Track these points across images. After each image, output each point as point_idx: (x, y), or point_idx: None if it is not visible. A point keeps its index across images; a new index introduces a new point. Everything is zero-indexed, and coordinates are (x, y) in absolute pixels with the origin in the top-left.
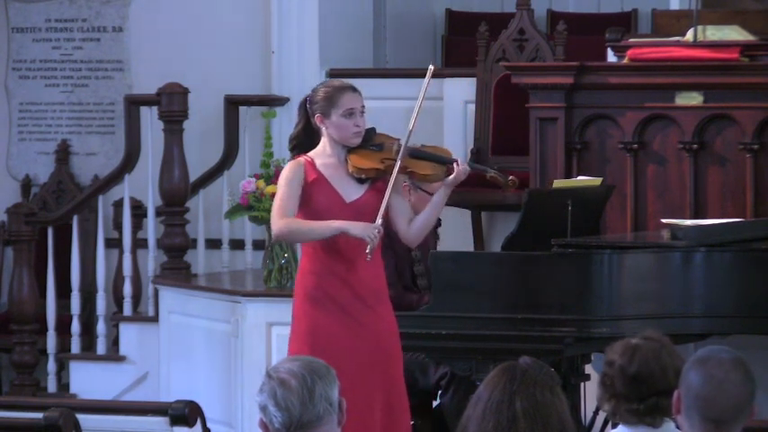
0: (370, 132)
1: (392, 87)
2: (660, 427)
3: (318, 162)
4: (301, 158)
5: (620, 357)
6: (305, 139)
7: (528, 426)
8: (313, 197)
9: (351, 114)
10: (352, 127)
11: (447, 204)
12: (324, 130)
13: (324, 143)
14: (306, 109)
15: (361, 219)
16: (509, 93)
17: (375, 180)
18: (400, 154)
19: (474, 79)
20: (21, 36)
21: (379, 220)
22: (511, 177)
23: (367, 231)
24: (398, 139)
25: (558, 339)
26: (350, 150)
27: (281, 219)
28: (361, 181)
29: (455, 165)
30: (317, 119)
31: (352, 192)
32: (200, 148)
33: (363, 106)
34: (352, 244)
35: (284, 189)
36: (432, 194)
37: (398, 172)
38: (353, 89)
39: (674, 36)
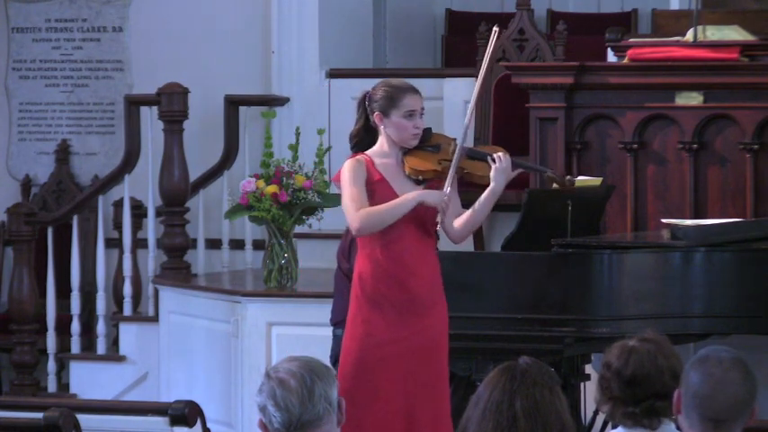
0: (427, 132)
1: None
2: (658, 429)
3: (377, 161)
4: (361, 157)
5: (617, 360)
6: (365, 137)
7: (528, 426)
8: (374, 197)
9: (411, 116)
10: (411, 128)
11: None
12: (382, 128)
13: (381, 142)
14: (365, 106)
15: (417, 220)
16: (509, 93)
17: (431, 180)
18: (456, 154)
19: (474, 79)
20: (21, 36)
21: (447, 189)
22: (568, 177)
23: (441, 199)
24: (455, 139)
25: (558, 339)
26: (406, 151)
27: (357, 212)
28: (417, 182)
29: (491, 161)
30: (375, 117)
31: (408, 193)
32: (200, 148)
33: (423, 108)
34: (413, 248)
35: (352, 187)
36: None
37: (455, 173)
38: (415, 90)
39: (674, 36)
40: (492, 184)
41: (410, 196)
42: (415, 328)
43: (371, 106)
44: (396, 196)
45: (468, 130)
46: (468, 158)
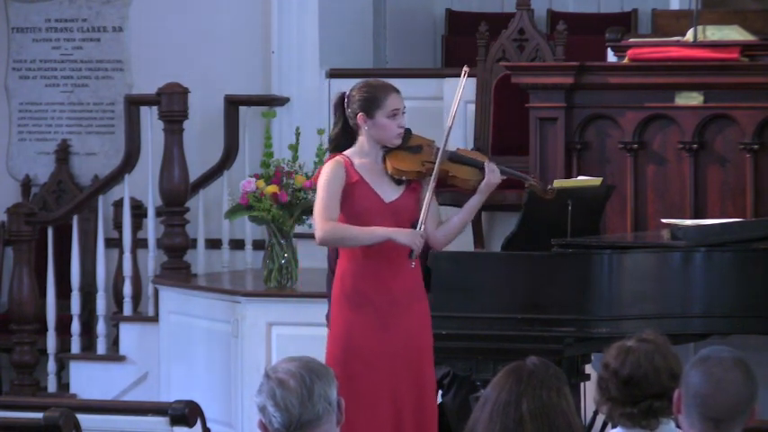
0: (407, 133)
1: None
2: (657, 429)
3: (356, 162)
4: (339, 158)
5: (614, 361)
6: (344, 139)
7: (534, 428)
8: (353, 198)
9: (395, 115)
10: (395, 128)
11: (447, 204)
12: (364, 129)
13: (361, 143)
14: (343, 108)
15: (398, 219)
16: (509, 93)
17: (413, 180)
18: (439, 158)
19: (474, 79)
20: (21, 36)
21: (421, 227)
22: (550, 186)
23: (413, 239)
24: (433, 141)
25: (558, 339)
26: (387, 151)
27: (326, 222)
28: (398, 182)
29: (485, 169)
30: (358, 118)
31: (389, 193)
32: (200, 148)
33: (404, 107)
34: (395, 247)
35: (326, 191)
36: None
37: (439, 176)
38: (397, 90)
39: (674, 36)
40: (479, 195)
41: (380, 231)
42: (398, 333)
43: (352, 107)
44: (376, 195)
45: (449, 135)
46: (453, 162)
